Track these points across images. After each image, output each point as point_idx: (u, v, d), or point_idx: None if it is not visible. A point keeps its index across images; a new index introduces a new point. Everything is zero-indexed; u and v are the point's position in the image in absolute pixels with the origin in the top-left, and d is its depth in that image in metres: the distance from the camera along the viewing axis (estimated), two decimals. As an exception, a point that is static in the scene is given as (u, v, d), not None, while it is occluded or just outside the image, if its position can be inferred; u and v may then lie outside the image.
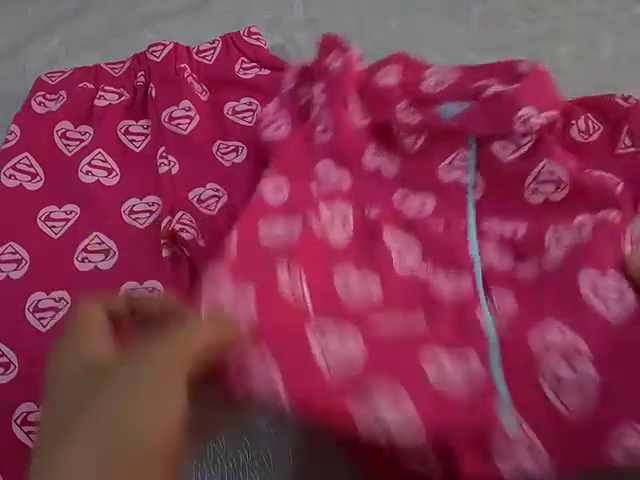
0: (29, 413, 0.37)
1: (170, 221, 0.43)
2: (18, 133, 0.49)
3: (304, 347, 0.31)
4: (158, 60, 0.51)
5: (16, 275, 0.43)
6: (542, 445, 0.30)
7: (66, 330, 0.27)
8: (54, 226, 0.45)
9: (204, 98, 0.51)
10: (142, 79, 0.51)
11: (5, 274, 0.43)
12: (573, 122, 0.44)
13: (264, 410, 0.37)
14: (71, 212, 0.45)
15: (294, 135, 0.44)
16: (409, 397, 0.30)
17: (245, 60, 0.53)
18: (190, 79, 0.51)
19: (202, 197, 0.45)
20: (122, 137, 0.49)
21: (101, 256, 0.43)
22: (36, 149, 0.48)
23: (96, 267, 0.43)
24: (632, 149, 0.42)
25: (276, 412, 0.31)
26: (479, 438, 0.30)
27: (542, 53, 0.54)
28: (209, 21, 0.60)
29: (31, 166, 0.48)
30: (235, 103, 0.50)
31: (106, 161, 0.48)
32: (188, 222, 0.42)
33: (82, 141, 0.49)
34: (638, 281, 0.33)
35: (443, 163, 0.43)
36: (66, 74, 0.53)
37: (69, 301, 0.41)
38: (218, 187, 0.45)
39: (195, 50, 0.53)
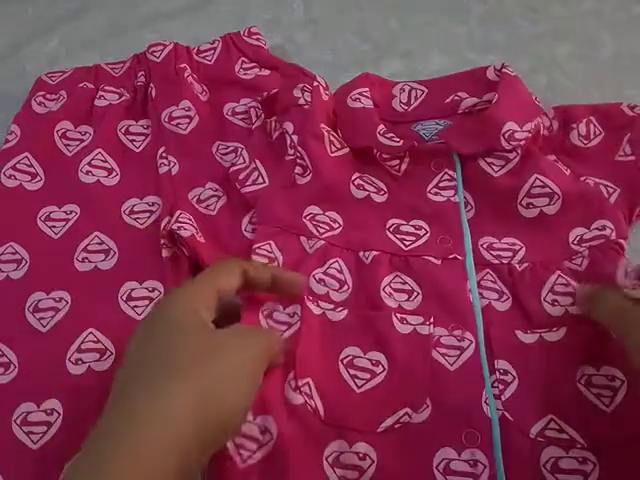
0: (29, 413, 0.37)
1: (169, 221, 0.43)
2: (18, 133, 0.49)
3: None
4: (158, 60, 0.51)
5: (16, 275, 0.43)
6: None
7: (202, 277, 0.33)
8: (54, 226, 0.45)
9: (204, 98, 0.51)
10: (142, 79, 0.51)
11: (5, 274, 0.43)
12: (574, 125, 0.44)
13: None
14: (71, 212, 0.45)
15: (274, 189, 0.43)
16: None
17: (245, 60, 0.53)
18: (190, 79, 0.51)
19: (202, 197, 0.45)
20: (122, 137, 0.49)
21: (101, 256, 0.43)
22: (36, 149, 0.48)
23: (96, 267, 0.43)
24: (632, 157, 0.42)
25: None
26: None
27: (542, 53, 0.54)
28: (209, 21, 0.60)
29: (31, 166, 0.48)
30: (235, 104, 0.50)
31: (106, 161, 0.48)
32: (187, 220, 0.42)
33: (82, 141, 0.49)
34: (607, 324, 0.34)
35: (431, 185, 0.43)
36: (66, 74, 0.53)
37: (69, 301, 0.41)
38: (218, 187, 0.45)
39: (195, 50, 0.53)
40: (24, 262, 0.43)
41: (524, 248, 0.40)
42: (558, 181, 0.40)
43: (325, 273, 0.39)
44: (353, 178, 0.43)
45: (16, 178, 0.47)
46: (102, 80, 0.52)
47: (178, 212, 0.43)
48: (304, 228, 0.41)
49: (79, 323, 0.40)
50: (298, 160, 0.43)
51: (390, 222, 0.42)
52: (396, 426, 0.34)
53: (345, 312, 0.38)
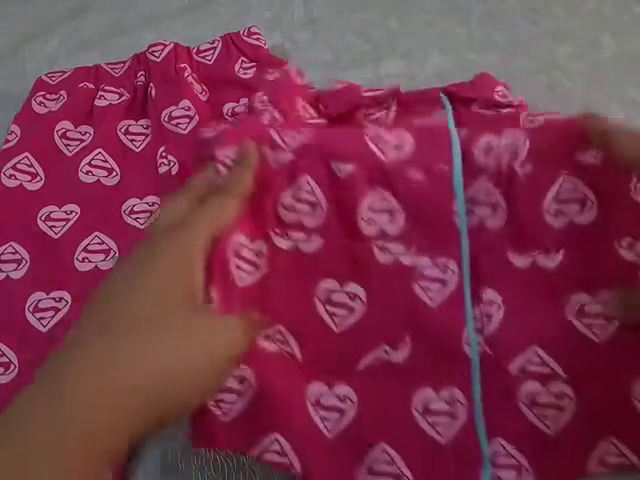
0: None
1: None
2: (18, 133, 0.49)
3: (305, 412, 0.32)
4: (158, 60, 0.51)
5: (16, 275, 0.43)
6: (527, 462, 0.32)
7: (200, 221, 0.30)
8: (54, 226, 0.45)
9: (204, 98, 0.51)
10: (142, 79, 0.51)
11: (5, 274, 0.43)
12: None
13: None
14: (71, 212, 0.45)
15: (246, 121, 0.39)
16: (400, 456, 0.32)
17: (245, 60, 0.53)
18: (190, 79, 0.51)
19: (202, 197, 0.45)
20: (122, 137, 0.49)
21: (101, 256, 0.43)
22: (36, 149, 0.48)
23: (96, 267, 0.43)
24: None
25: None
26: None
27: (542, 53, 0.54)
28: (209, 21, 0.60)
29: (31, 166, 0.47)
30: (235, 104, 0.50)
31: (106, 161, 0.48)
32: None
33: (82, 141, 0.49)
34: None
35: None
36: (66, 74, 0.53)
37: (69, 301, 0.41)
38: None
39: (195, 50, 0.53)
40: (24, 262, 0.43)
41: (528, 142, 0.33)
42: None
43: (294, 197, 0.34)
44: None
45: (16, 178, 0.47)
46: (102, 80, 0.52)
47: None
48: (269, 137, 0.34)
49: (79, 323, 0.40)
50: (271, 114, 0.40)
51: (371, 130, 0.36)
52: (375, 364, 0.33)
53: (320, 241, 0.34)
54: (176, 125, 0.48)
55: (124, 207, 0.46)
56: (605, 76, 0.52)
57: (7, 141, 0.48)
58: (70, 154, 0.48)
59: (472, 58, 0.54)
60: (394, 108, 0.41)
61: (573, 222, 0.33)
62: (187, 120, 0.48)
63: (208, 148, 0.34)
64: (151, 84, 0.51)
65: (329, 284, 0.34)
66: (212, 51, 0.53)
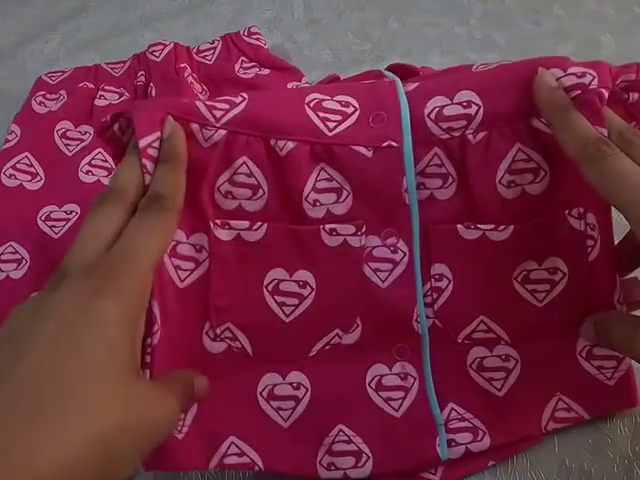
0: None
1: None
2: (18, 133, 0.49)
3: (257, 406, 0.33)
4: (158, 60, 0.51)
5: (16, 275, 0.43)
6: (482, 424, 0.33)
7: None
8: (54, 226, 0.45)
9: (204, 98, 0.51)
10: (142, 79, 0.51)
11: (5, 274, 0.43)
12: None
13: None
14: (71, 212, 0.45)
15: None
16: (357, 434, 0.32)
17: (245, 60, 0.53)
18: (190, 79, 0.51)
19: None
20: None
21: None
22: (36, 149, 0.48)
23: (96, 267, 0.43)
24: None
25: None
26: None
27: (543, 53, 0.54)
28: (209, 21, 0.60)
29: (31, 166, 0.47)
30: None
31: (106, 161, 0.48)
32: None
33: (82, 141, 0.49)
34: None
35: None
36: (66, 74, 0.53)
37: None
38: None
39: (195, 50, 0.53)
40: (24, 262, 0.43)
41: (482, 108, 0.30)
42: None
43: (231, 182, 0.30)
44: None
45: (16, 178, 0.47)
46: (102, 80, 0.52)
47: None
48: (196, 112, 0.29)
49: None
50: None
51: (310, 97, 0.31)
52: (327, 347, 0.33)
53: (264, 228, 0.31)
54: (176, 125, 0.48)
55: (124, 207, 0.46)
56: (605, 76, 0.52)
57: (7, 141, 0.49)
58: (70, 154, 0.48)
59: (472, 58, 0.54)
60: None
61: (525, 191, 0.31)
62: (187, 120, 0.48)
63: (120, 131, 0.28)
64: (151, 84, 0.51)
65: (277, 273, 0.32)
66: (212, 51, 0.53)
